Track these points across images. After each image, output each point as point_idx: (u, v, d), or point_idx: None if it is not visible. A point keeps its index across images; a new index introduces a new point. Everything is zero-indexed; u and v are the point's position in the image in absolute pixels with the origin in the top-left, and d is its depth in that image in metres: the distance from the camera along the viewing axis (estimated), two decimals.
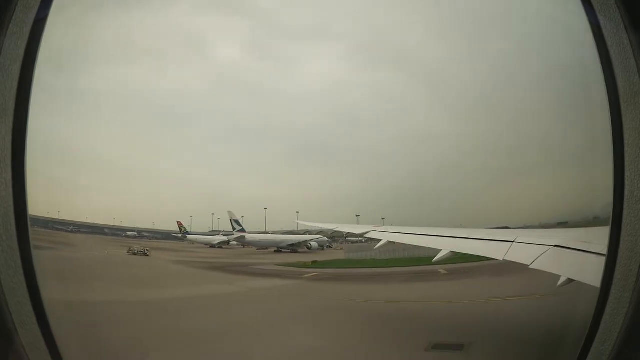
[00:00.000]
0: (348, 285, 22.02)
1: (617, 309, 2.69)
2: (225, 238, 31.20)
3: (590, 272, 5.25)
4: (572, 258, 7.35)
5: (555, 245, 8.17)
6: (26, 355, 2.52)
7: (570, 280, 7.01)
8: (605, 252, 2.87)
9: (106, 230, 30.73)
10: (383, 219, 22.91)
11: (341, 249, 33.24)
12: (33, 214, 2.72)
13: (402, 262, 26.18)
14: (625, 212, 2.73)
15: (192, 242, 31.86)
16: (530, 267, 8.07)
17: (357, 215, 27.21)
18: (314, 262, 27.18)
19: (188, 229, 32.57)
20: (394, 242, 14.26)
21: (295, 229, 32.27)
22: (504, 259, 9.18)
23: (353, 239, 33.31)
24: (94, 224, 28.87)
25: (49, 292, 2.76)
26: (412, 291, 19.49)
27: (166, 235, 32.53)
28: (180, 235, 31.68)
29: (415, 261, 26.37)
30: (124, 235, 32.32)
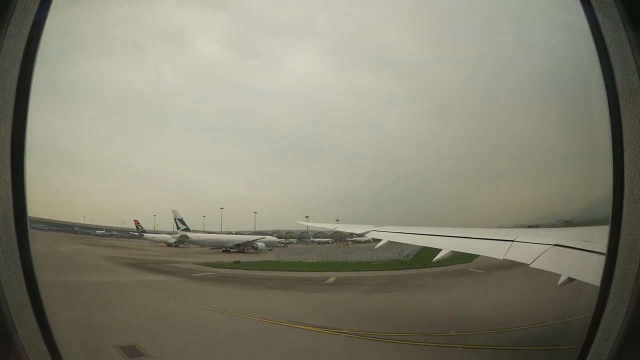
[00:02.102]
0: (217, 287, 21.69)
1: (616, 308, 2.69)
2: (178, 237, 31.17)
3: (591, 271, 5.24)
4: (572, 257, 7.33)
5: (556, 244, 8.15)
6: (26, 356, 2.53)
7: (570, 279, 7.00)
8: (605, 250, 2.87)
9: (76, 229, 30.73)
10: (337, 220, 23.11)
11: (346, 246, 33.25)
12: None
13: (330, 266, 26.29)
14: (624, 210, 2.73)
15: (155, 241, 31.74)
16: (530, 266, 8.04)
17: (306, 216, 27.67)
18: (236, 262, 27.19)
19: (157, 228, 32.56)
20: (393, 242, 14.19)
21: (254, 228, 32.27)
22: (505, 258, 9.16)
23: (322, 239, 33.56)
24: (64, 222, 28.79)
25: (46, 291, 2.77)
26: (254, 299, 18.94)
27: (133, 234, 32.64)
28: (137, 234, 31.71)
29: (340, 265, 26.54)
30: (93, 233, 32.41)
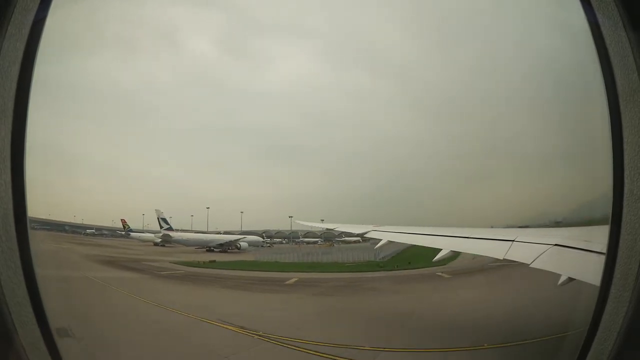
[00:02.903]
0: (176, 285, 21.88)
1: (616, 308, 2.69)
2: (160, 237, 31.10)
3: (591, 270, 5.24)
4: (572, 257, 7.33)
5: (556, 244, 8.15)
6: (26, 356, 2.53)
7: (570, 279, 7.00)
8: (605, 250, 2.86)
9: (66, 228, 30.75)
10: (322, 220, 23.11)
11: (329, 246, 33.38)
12: None
13: (302, 267, 26.55)
14: (624, 210, 2.72)
15: (143, 240, 31.81)
16: (530, 266, 8.04)
17: (290, 216, 27.67)
18: (212, 261, 27.36)
19: (147, 227, 32.62)
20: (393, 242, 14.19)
21: (240, 228, 32.25)
22: (505, 257, 9.16)
23: (311, 239, 33.77)
24: (55, 220, 28.73)
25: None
26: (201, 296, 19.13)
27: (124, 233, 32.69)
28: (123, 233, 31.81)
29: (313, 266, 26.56)
30: (84, 232, 32.48)
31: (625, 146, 2.72)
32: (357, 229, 16.92)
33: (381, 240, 14.23)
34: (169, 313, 14.75)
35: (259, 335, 12.17)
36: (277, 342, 11.72)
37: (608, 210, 2.84)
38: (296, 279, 22.63)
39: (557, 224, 18.68)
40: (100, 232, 33.62)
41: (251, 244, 31.98)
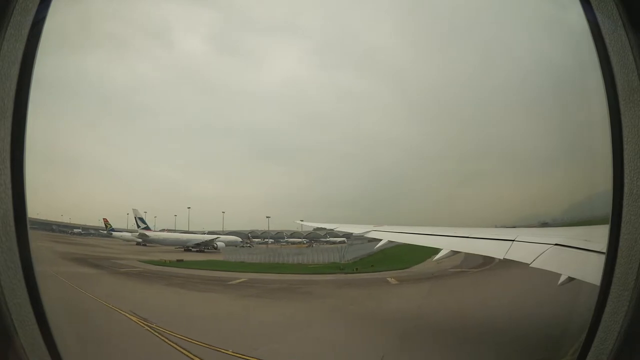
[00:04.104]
0: (125, 280, 22.02)
1: (617, 307, 2.69)
2: (137, 236, 31.22)
3: (591, 270, 5.24)
4: (572, 256, 7.34)
5: (556, 244, 8.15)
6: (25, 356, 2.54)
7: (571, 279, 7.00)
8: (605, 250, 2.86)
9: (54, 227, 30.83)
10: (302, 220, 22.86)
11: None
12: None
13: (263, 268, 26.26)
14: (624, 210, 2.72)
15: (125, 239, 31.92)
16: (530, 265, 8.04)
17: (267, 217, 27.63)
18: (179, 260, 27.34)
19: (131, 227, 32.61)
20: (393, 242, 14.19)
21: (222, 229, 32.28)
22: (505, 257, 9.16)
23: (297, 239, 33.85)
24: (42, 220, 28.77)
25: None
26: (136, 291, 19.36)
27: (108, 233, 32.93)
28: (106, 232, 32.00)
29: (274, 267, 26.34)
30: (70, 232, 32.66)
31: (625, 146, 2.72)
32: (357, 229, 16.93)
33: (381, 240, 14.26)
34: (91, 301, 14.92)
35: (150, 328, 12.59)
36: (161, 335, 12.06)
37: (608, 209, 2.84)
38: (243, 280, 22.43)
39: (544, 225, 18.70)
40: (87, 231, 33.78)
41: (229, 243, 31.96)
